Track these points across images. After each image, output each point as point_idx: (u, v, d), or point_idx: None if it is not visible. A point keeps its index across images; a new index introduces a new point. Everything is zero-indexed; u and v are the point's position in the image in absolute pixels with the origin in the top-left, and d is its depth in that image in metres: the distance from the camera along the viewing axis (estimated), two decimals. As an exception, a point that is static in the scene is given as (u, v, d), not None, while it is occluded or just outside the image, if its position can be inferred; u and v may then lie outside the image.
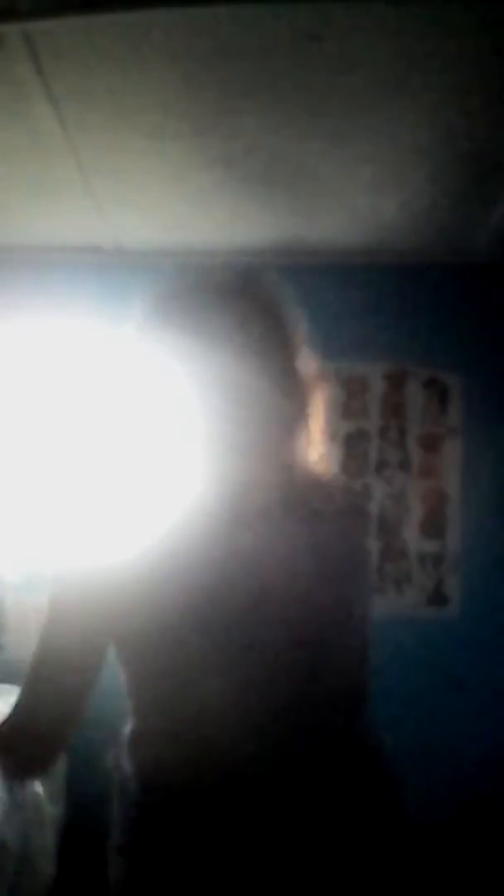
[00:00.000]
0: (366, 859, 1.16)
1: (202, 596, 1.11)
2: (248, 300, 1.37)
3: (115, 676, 1.26)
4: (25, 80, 2.23)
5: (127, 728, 1.25)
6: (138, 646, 1.17)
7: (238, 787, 1.10)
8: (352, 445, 3.38)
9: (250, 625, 1.11)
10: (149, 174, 2.78)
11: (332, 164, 2.67)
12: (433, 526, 3.34)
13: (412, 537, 3.33)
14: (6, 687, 2.22)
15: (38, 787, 2.50)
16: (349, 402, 3.40)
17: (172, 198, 2.96)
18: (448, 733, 3.18)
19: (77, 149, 2.60)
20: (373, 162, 2.65)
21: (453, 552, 3.32)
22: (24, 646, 1.45)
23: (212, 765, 1.10)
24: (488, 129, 2.46)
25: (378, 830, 1.18)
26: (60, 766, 2.81)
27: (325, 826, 1.13)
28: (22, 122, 2.45)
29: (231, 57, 2.12)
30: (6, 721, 1.18)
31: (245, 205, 2.98)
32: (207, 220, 3.15)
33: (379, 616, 3.26)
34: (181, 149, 2.60)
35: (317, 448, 1.26)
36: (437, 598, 3.30)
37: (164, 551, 1.15)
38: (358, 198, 2.92)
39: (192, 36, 2.05)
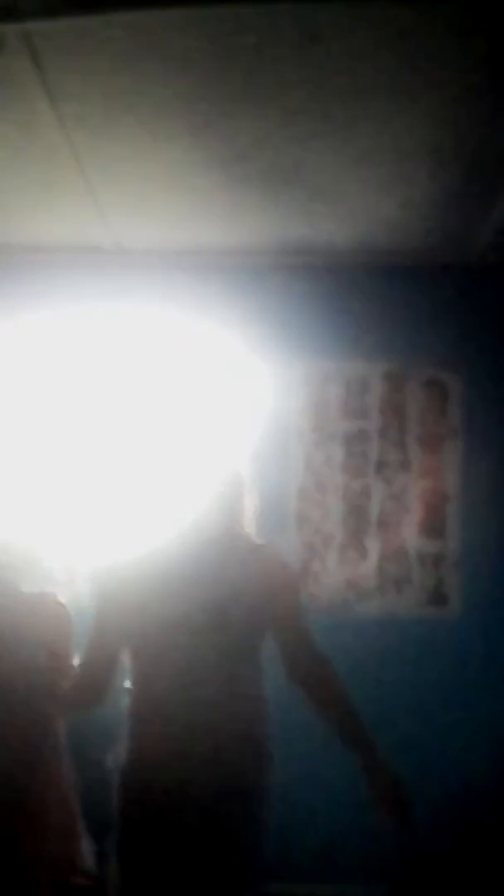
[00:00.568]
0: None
1: (183, 603, 1.87)
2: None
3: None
4: (25, 80, 2.23)
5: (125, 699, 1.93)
6: (143, 631, 1.88)
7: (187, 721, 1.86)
8: (352, 445, 3.38)
9: (201, 621, 1.88)
10: (149, 174, 2.78)
11: (332, 163, 2.67)
12: (433, 526, 3.34)
13: (412, 537, 3.33)
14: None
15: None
16: (349, 402, 3.40)
17: (172, 198, 2.96)
18: (448, 732, 3.18)
19: (77, 149, 2.60)
20: (373, 162, 2.65)
21: (453, 552, 3.31)
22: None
23: (181, 698, 1.86)
24: (488, 130, 2.46)
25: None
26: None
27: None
28: (22, 122, 2.45)
29: (231, 57, 2.13)
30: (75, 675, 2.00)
31: (245, 205, 2.98)
32: (207, 220, 3.15)
33: (379, 616, 3.29)
34: (181, 149, 2.60)
35: (249, 523, 2.12)
36: (437, 598, 3.30)
37: (161, 569, 1.93)
38: (358, 198, 2.92)
39: (193, 36, 2.05)
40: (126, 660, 1.94)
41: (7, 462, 3.41)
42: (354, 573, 3.31)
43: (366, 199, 2.92)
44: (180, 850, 1.84)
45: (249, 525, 2.13)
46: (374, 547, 3.33)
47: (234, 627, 1.91)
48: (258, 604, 1.95)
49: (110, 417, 3.41)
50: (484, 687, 3.21)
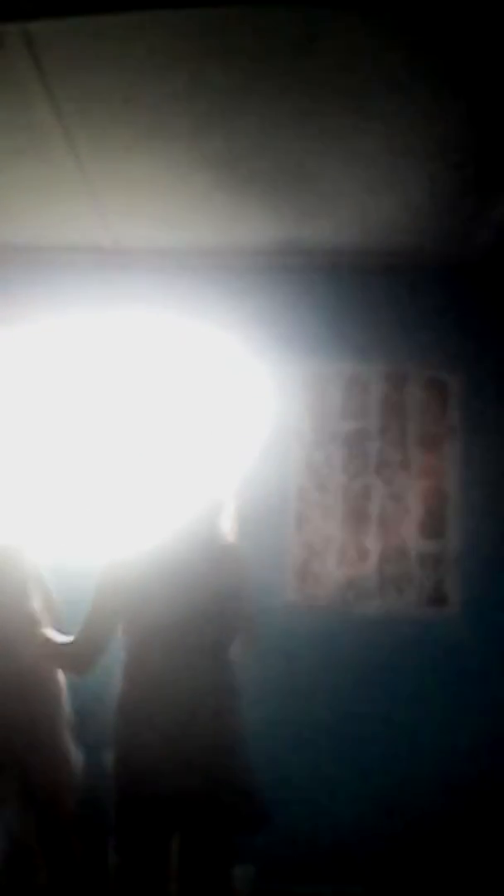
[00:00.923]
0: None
1: (171, 592, 2.19)
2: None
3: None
4: (25, 80, 2.23)
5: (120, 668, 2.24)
6: (137, 613, 2.21)
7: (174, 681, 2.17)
8: (352, 445, 3.38)
9: (187, 608, 2.19)
10: (149, 174, 2.78)
11: (332, 164, 2.67)
12: (433, 526, 3.34)
13: (412, 537, 3.33)
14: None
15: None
16: (349, 402, 3.40)
17: (172, 198, 2.96)
18: (448, 731, 3.18)
19: (77, 149, 2.60)
20: (372, 162, 2.65)
21: (453, 552, 3.31)
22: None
23: (168, 673, 2.17)
24: (488, 130, 2.46)
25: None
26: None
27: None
28: (22, 122, 2.45)
29: (231, 57, 2.13)
30: (72, 643, 2.29)
31: (245, 205, 2.99)
32: (207, 220, 3.15)
33: (379, 616, 3.29)
34: (181, 149, 2.60)
35: (231, 528, 2.42)
36: (437, 598, 3.30)
37: (155, 562, 2.24)
38: (358, 198, 2.92)
39: (193, 36, 2.06)
40: (120, 638, 2.25)
41: (5, 462, 3.42)
42: (354, 573, 3.31)
43: (366, 200, 2.92)
44: (176, 795, 2.12)
45: (230, 526, 2.43)
46: (374, 547, 3.33)
47: (212, 614, 2.24)
48: (231, 595, 2.30)
49: (109, 418, 3.41)
50: (484, 687, 3.21)
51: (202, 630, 2.20)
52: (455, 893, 3.07)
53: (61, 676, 2.57)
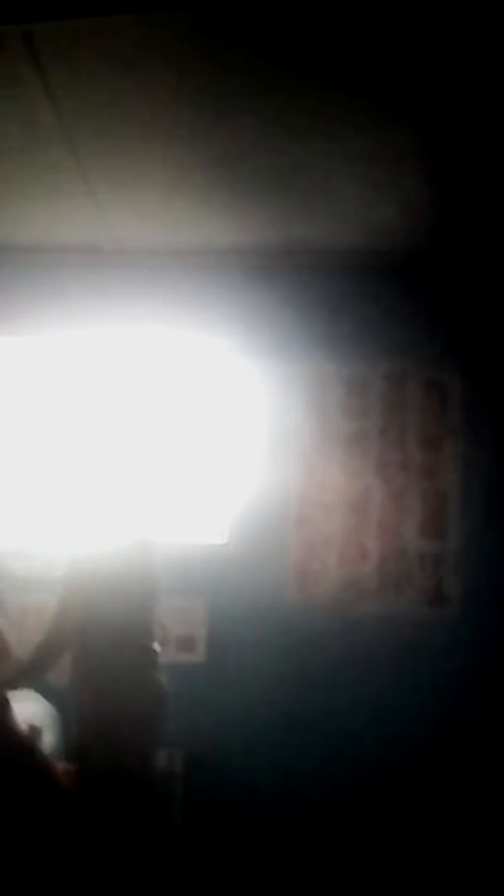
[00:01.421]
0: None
1: (105, 598, 2.48)
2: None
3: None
4: (25, 80, 2.23)
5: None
6: (82, 617, 2.50)
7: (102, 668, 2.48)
8: (352, 445, 3.38)
9: (112, 612, 2.48)
10: (149, 174, 2.78)
11: (330, 164, 2.68)
12: (433, 526, 3.34)
13: (412, 537, 3.33)
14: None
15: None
16: (349, 402, 3.40)
17: (172, 198, 2.97)
18: (447, 731, 3.18)
19: (77, 148, 2.60)
20: (372, 162, 2.65)
21: (453, 552, 3.31)
22: (23, 643, 2.73)
23: (101, 656, 2.48)
24: (488, 131, 2.46)
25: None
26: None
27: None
28: (22, 122, 2.45)
29: (231, 57, 2.13)
30: (36, 647, 2.56)
31: (244, 205, 2.99)
32: (207, 220, 3.15)
33: (379, 616, 3.28)
34: (181, 149, 2.60)
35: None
36: (437, 598, 3.30)
37: (106, 571, 2.51)
38: (358, 198, 2.92)
39: (192, 36, 2.06)
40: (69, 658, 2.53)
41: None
42: (354, 573, 3.31)
43: (365, 200, 2.93)
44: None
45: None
46: (374, 547, 3.33)
47: (143, 631, 2.56)
48: (152, 611, 2.60)
49: (108, 418, 3.40)
50: (483, 687, 3.21)
51: (133, 644, 2.51)
52: (455, 891, 3.07)
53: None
